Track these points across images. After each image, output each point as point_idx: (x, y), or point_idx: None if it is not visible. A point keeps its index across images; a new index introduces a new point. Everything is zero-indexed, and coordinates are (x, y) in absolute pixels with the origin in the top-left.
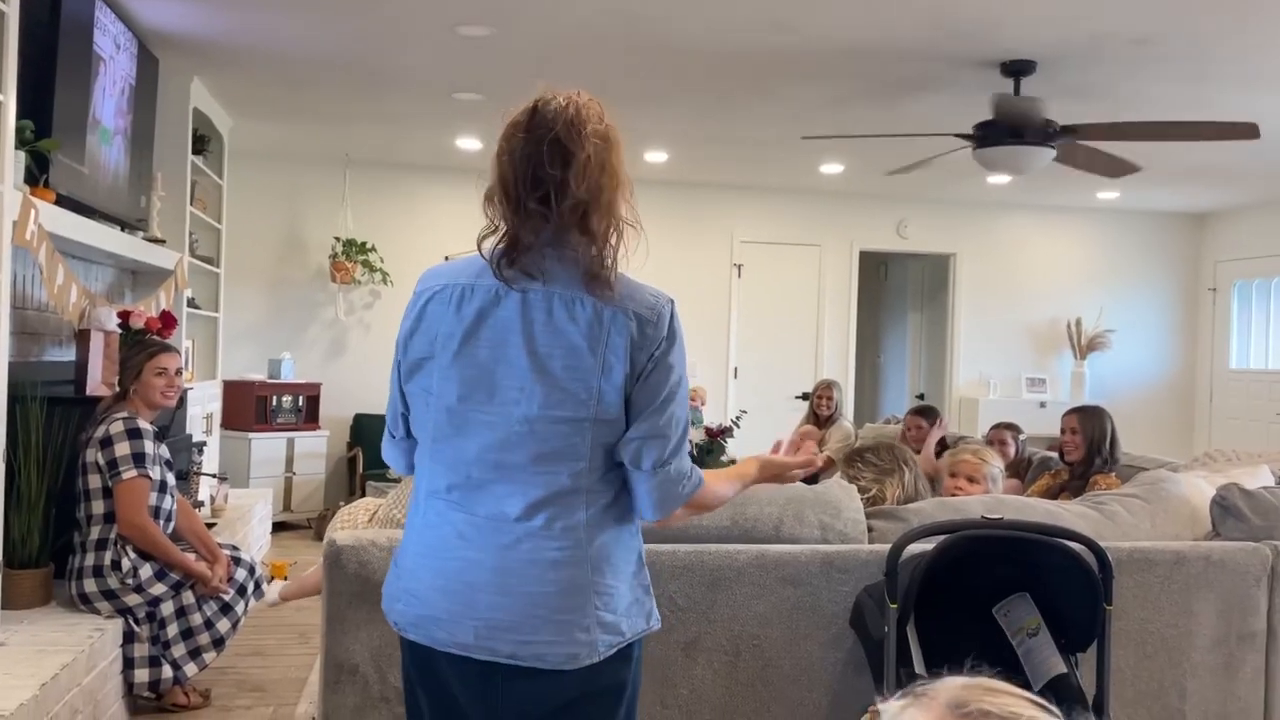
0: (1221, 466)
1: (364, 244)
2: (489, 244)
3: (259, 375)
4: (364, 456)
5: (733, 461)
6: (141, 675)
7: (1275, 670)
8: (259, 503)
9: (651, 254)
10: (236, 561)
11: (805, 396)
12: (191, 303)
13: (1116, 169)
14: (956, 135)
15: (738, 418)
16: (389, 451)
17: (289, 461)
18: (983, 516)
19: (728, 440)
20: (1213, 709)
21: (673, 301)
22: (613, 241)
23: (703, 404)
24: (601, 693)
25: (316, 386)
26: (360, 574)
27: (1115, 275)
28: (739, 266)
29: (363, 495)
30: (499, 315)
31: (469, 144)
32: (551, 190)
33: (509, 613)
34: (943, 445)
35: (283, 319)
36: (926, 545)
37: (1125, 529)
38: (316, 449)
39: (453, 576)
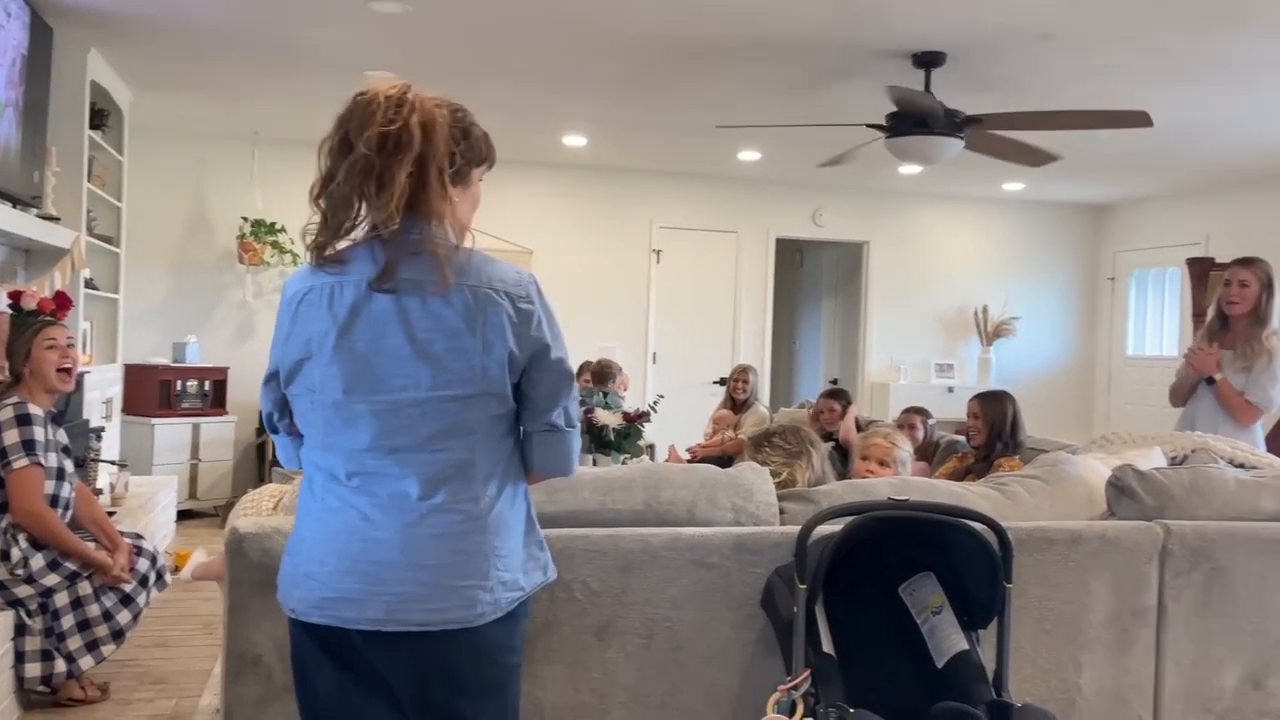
0: (1117, 448)
1: (274, 225)
2: (347, 241)
3: (163, 359)
4: (273, 444)
5: (650, 446)
6: (33, 669)
7: (1165, 644)
8: (162, 490)
9: (570, 237)
10: (139, 551)
11: (722, 381)
12: (90, 283)
13: (1037, 158)
14: (869, 125)
15: (655, 403)
16: (282, 449)
17: (195, 448)
18: (889, 498)
19: (644, 425)
20: (1106, 683)
21: (534, 276)
22: (464, 225)
23: (624, 389)
24: (507, 643)
25: (224, 371)
26: (264, 562)
27: (1020, 264)
28: (658, 252)
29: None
30: (372, 309)
31: None
32: (389, 181)
33: (418, 585)
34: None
35: (188, 301)
36: (835, 526)
37: (1026, 509)
38: (224, 435)
39: (359, 558)
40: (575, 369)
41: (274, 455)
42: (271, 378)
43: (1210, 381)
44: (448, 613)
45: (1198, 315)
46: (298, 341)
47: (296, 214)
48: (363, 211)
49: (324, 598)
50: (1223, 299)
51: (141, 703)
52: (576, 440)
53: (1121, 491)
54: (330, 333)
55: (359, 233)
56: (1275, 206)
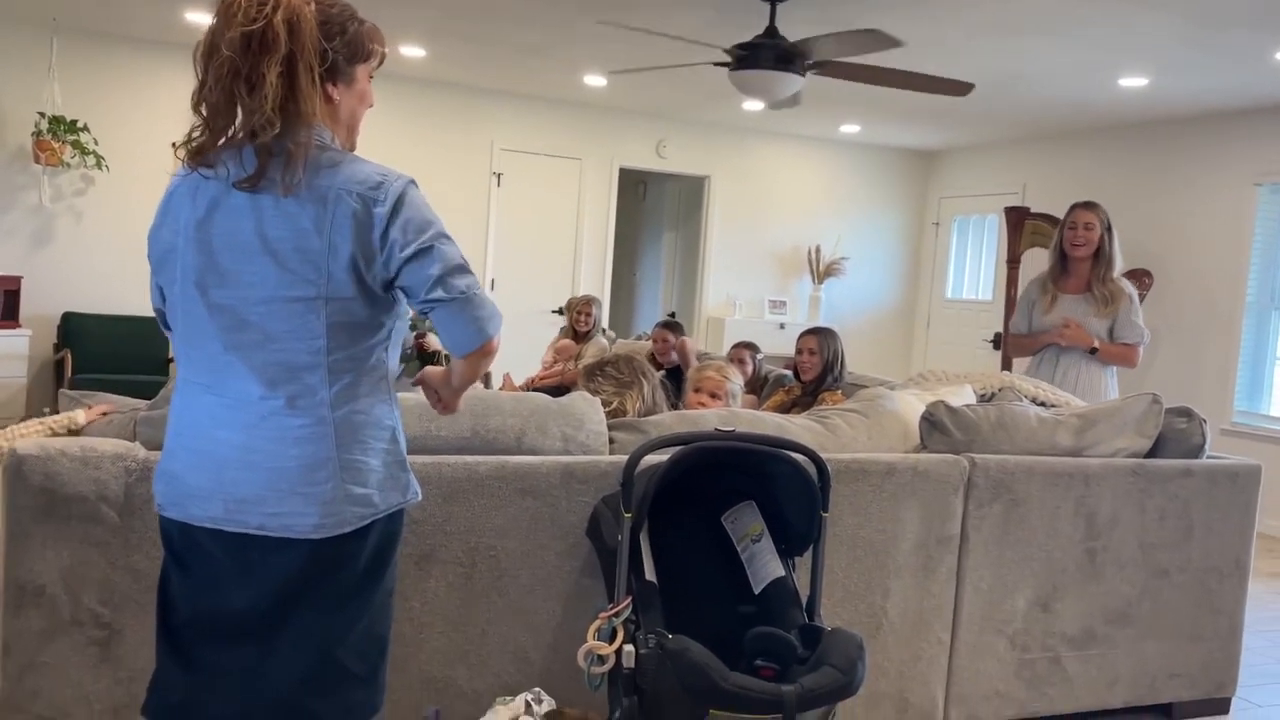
0: (932, 386)
1: (74, 123)
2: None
3: None
4: (73, 359)
5: (487, 375)
6: None
7: (965, 570)
8: None
9: (407, 155)
10: None
11: (560, 311)
12: None
13: (949, 88)
14: (716, 64)
15: None
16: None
17: None
18: (716, 429)
19: None
20: (911, 606)
21: (409, 180)
22: (349, 125)
23: None
24: (353, 561)
25: (17, 280)
26: (47, 487)
27: (853, 206)
28: (499, 175)
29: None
30: (230, 204)
31: (199, 18)
32: (259, 82)
33: (254, 487)
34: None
35: None
36: (663, 456)
37: (845, 441)
38: (17, 349)
39: (204, 455)
40: None
41: (73, 373)
42: (152, 273)
43: (1093, 351)
44: (285, 519)
45: (1011, 261)
46: (166, 232)
47: (101, 113)
48: (240, 115)
49: (178, 493)
50: (1066, 241)
51: None
52: (473, 307)
53: (934, 426)
54: (190, 224)
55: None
56: (1086, 159)
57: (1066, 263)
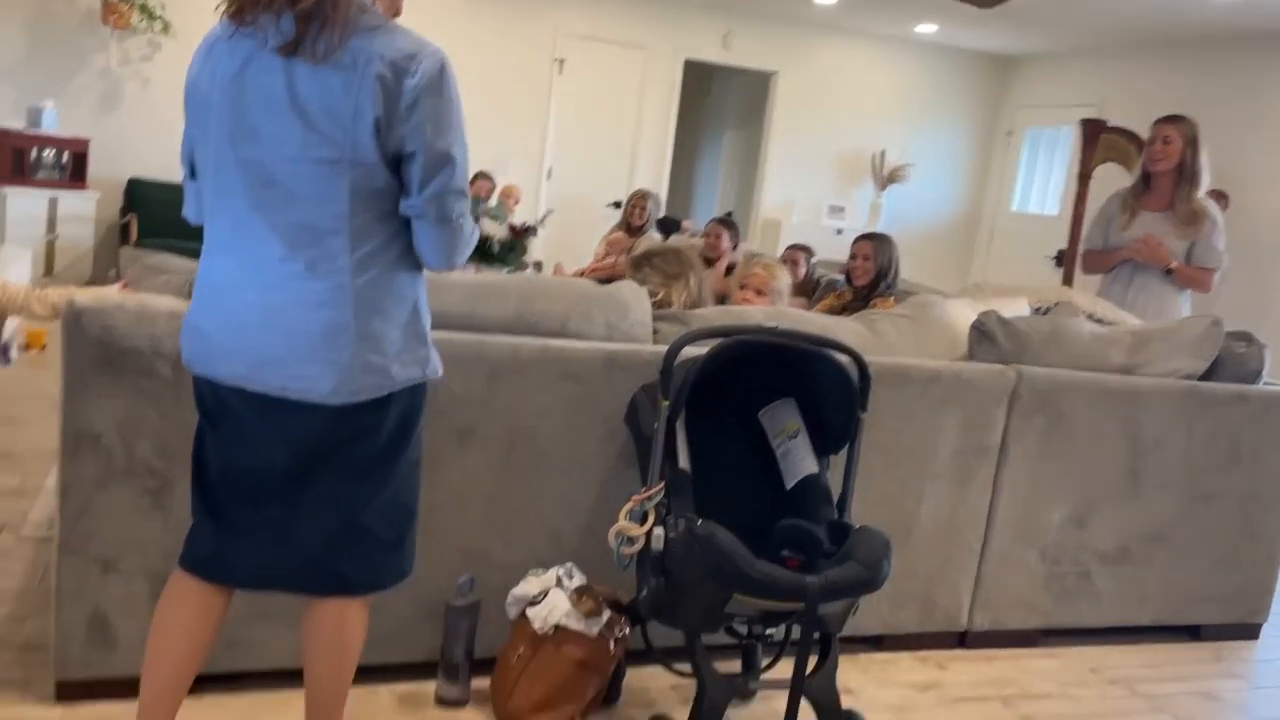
0: (986, 297)
1: None
2: None
3: (16, 124)
4: (138, 224)
5: (539, 264)
6: None
7: (1002, 481)
8: (14, 264)
9: (468, 39)
10: None
11: (618, 204)
12: None
13: None
14: None
15: (543, 218)
16: (187, 197)
17: (51, 223)
18: (759, 325)
19: (530, 240)
20: (944, 512)
21: (443, 57)
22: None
23: (516, 202)
24: (373, 431)
25: (84, 143)
26: (103, 339)
27: (922, 111)
28: (561, 62)
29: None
30: (264, 60)
31: None
32: None
33: (275, 349)
34: (731, 270)
35: (44, 62)
36: (705, 349)
37: (891, 345)
38: (84, 211)
39: (228, 315)
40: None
41: (138, 238)
42: (186, 123)
43: (1168, 272)
44: (303, 382)
45: (1083, 176)
46: (203, 84)
47: None
48: None
49: (204, 350)
50: (1147, 157)
51: None
52: (448, 235)
53: (983, 335)
54: (226, 77)
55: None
56: (1168, 73)
57: (1150, 179)
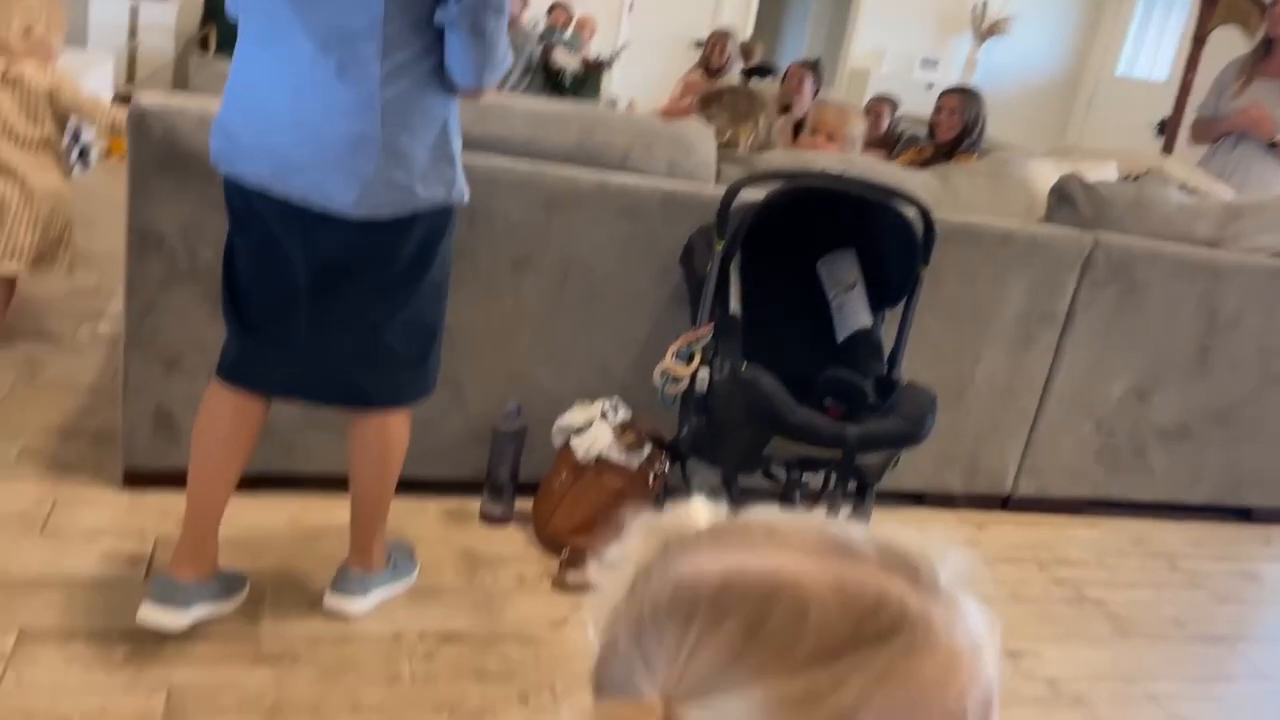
0: (1073, 159)
1: None
2: None
3: None
4: (216, 35)
5: (613, 102)
6: None
7: (1064, 348)
8: (96, 68)
9: None
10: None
11: (701, 44)
12: None
13: None
14: None
15: (617, 53)
16: None
17: (132, 30)
18: (824, 171)
19: (604, 74)
20: (1000, 375)
21: None
22: None
23: (592, 34)
24: (399, 251)
25: None
26: (167, 140)
27: None
28: None
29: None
30: None
31: None
32: None
33: (300, 153)
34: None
35: None
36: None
37: (965, 202)
38: (165, 21)
39: (256, 113)
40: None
41: (216, 50)
42: None
43: (1273, 145)
44: (325, 191)
45: (1198, 38)
46: None
47: None
48: None
49: (230, 148)
50: (1270, 20)
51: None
52: (479, 50)
53: (1063, 198)
54: None
55: None
56: None
57: (1271, 44)
